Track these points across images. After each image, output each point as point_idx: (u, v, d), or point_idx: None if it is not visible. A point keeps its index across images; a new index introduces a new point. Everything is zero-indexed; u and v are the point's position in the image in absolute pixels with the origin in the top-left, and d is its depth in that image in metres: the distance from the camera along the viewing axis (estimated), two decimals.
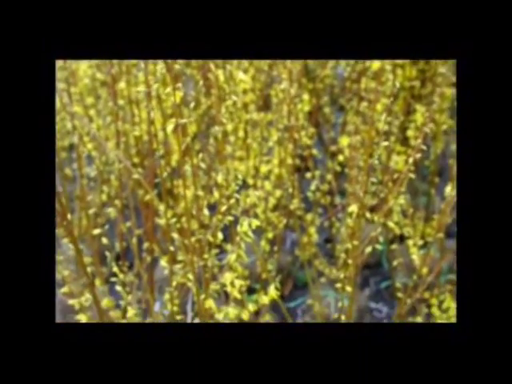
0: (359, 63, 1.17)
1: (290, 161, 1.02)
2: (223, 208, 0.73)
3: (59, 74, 1.12)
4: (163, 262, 0.85)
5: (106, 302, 0.93)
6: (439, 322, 1.00)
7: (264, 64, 1.10)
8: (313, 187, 1.13)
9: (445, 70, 1.06)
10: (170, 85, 0.62)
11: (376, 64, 1.01)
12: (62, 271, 0.87)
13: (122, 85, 1.04)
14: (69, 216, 0.69)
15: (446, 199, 0.84)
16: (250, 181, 1.11)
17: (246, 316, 0.92)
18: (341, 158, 1.11)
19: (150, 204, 1.03)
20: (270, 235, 1.12)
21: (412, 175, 0.70)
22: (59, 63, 1.15)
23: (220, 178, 0.75)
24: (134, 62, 1.07)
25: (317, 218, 1.19)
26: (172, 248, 0.79)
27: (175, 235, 0.78)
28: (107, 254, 0.84)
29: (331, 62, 1.35)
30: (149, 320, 0.95)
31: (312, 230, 1.18)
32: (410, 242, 0.97)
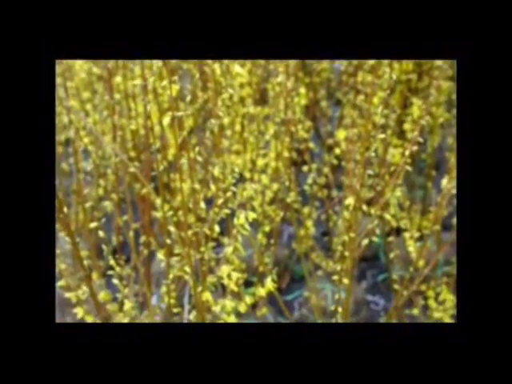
0: None
1: (286, 154, 1.02)
2: (220, 201, 0.73)
3: (56, 69, 1.12)
4: (160, 255, 0.85)
5: (102, 296, 0.93)
6: (436, 314, 1.00)
7: None
8: (310, 180, 1.13)
9: (441, 63, 1.06)
10: (166, 78, 0.62)
11: None
12: (59, 265, 0.87)
13: (118, 79, 1.03)
14: (65, 209, 0.69)
15: (443, 192, 0.84)
16: (247, 174, 1.11)
17: (242, 308, 0.93)
18: (337, 151, 1.11)
19: (146, 198, 1.03)
20: (267, 228, 1.12)
21: (408, 167, 0.70)
22: None
23: (217, 171, 0.75)
24: None
25: (314, 211, 1.19)
26: (169, 241, 0.79)
27: (172, 228, 0.78)
28: (104, 247, 0.84)
29: None
30: (146, 313, 0.95)
31: (309, 223, 1.18)
32: (407, 235, 0.98)
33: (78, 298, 0.81)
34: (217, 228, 0.75)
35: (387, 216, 0.75)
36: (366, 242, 0.77)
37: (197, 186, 0.73)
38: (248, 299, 0.81)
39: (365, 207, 0.82)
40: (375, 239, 0.77)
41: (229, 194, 0.73)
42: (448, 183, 0.82)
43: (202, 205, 0.75)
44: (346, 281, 0.78)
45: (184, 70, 1.26)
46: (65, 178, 1.40)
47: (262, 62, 1.12)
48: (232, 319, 0.75)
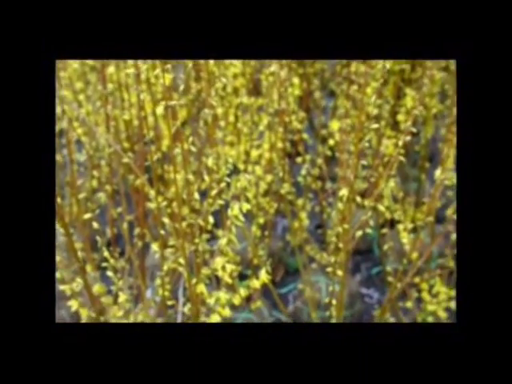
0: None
1: (280, 145, 1.02)
2: (214, 192, 0.73)
3: None
4: (154, 247, 0.85)
5: (97, 288, 0.93)
6: (429, 307, 1.00)
7: None
8: (303, 172, 1.13)
9: None
10: (159, 67, 0.62)
11: None
12: None
13: (111, 69, 1.03)
14: (59, 200, 0.68)
15: (436, 183, 0.84)
16: (241, 166, 1.11)
17: (237, 301, 0.93)
18: (331, 142, 1.11)
19: (140, 189, 1.03)
20: (261, 220, 1.12)
21: (402, 158, 0.70)
22: None
23: (210, 162, 0.74)
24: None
25: (308, 202, 1.19)
26: (163, 232, 0.79)
27: (166, 220, 0.78)
28: (98, 238, 0.84)
29: None
30: (140, 306, 0.95)
31: (303, 214, 1.18)
32: (401, 227, 0.98)
33: (73, 291, 0.81)
34: (211, 219, 0.75)
35: (381, 207, 0.75)
36: (359, 233, 0.77)
37: (191, 176, 0.72)
38: (242, 291, 0.81)
39: (359, 199, 0.82)
40: (369, 230, 0.77)
41: (223, 184, 0.73)
42: (441, 174, 0.82)
43: (196, 196, 0.75)
44: (340, 273, 0.78)
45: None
46: (58, 169, 1.40)
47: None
48: (226, 312, 0.75)
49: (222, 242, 0.71)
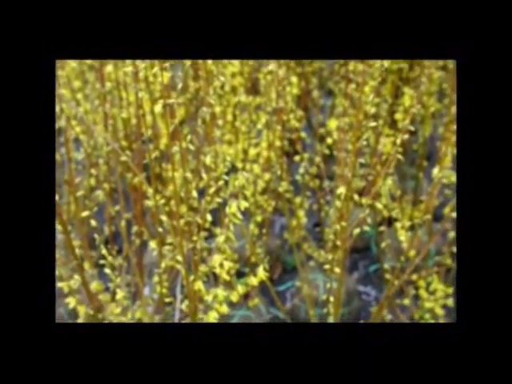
0: None
1: (278, 143, 1.02)
2: (212, 190, 0.73)
3: None
4: (152, 244, 0.85)
5: (95, 286, 0.93)
6: (427, 304, 1.01)
7: None
8: (301, 170, 1.13)
9: None
10: (157, 66, 0.62)
11: None
12: None
13: (109, 68, 1.03)
14: (57, 198, 0.69)
15: (434, 181, 0.85)
16: (239, 164, 1.11)
17: (235, 298, 0.93)
18: (329, 140, 1.11)
19: (138, 187, 1.03)
20: (259, 218, 1.12)
21: (400, 156, 0.70)
22: None
23: (208, 160, 0.75)
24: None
25: (305, 201, 1.20)
26: (161, 229, 0.79)
27: (164, 218, 0.78)
28: (96, 236, 0.84)
29: None
30: (138, 303, 0.95)
31: (301, 213, 1.18)
32: (398, 225, 0.98)
33: (70, 288, 0.81)
34: (209, 217, 0.75)
35: (379, 205, 0.75)
36: (357, 231, 0.77)
37: (189, 175, 0.73)
38: (240, 289, 0.81)
39: (356, 197, 0.82)
40: (367, 228, 0.77)
41: (221, 183, 0.73)
42: (439, 173, 0.82)
43: (194, 194, 0.75)
44: (337, 270, 0.79)
45: None
46: (56, 167, 1.40)
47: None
48: (224, 309, 0.75)
49: (220, 239, 0.72)
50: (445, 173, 0.83)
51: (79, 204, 0.96)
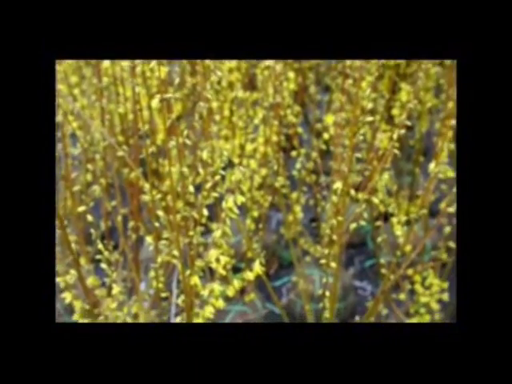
0: None
1: (275, 138, 1.02)
2: (208, 185, 0.73)
3: None
4: (149, 239, 0.85)
5: (91, 281, 0.93)
6: (422, 299, 1.01)
7: None
8: (298, 165, 1.13)
9: None
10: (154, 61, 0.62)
11: None
12: None
13: (106, 63, 1.03)
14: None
15: (430, 176, 0.85)
16: (236, 160, 1.11)
17: (231, 292, 0.93)
18: (326, 136, 1.12)
19: (135, 182, 1.03)
20: (256, 214, 1.12)
21: (396, 151, 0.71)
22: None
23: (205, 155, 0.75)
24: None
25: (302, 196, 1.20)
26: (157, 224, 0.79)
27: (160, 213, 0.78)
28: (92, 231, 0.84)
29: None
30: (134, 298, 0.95)
31: (297, 208, 1.18)
32: (395, 220, 0.98)
33: (67, 283, 0.81)
34: (205, 212, 0.75)
35: (375, 200, 0.75)
36: (353, 226, 0.77)
37: (185, 169, 0.73)
38: (236, 283, 0.81)
39: (353, 192, 0.83)
40: (363, 223, 0.77)
41: (217, 177, 0.73)
42: (435, 168, 0.83)
43: (191, 189, 0.75)
44: (333, 265, 0.79)
45: None
46: None
47: None
48: (220, 303, 0.76)
49: (216, 234, 0.72)
50: (441, 168, 0.83)
51: (75, 199, 0.96)
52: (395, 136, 0.71)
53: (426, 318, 1.02)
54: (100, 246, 0.86)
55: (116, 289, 0.87)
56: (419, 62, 1.15)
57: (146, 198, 0.91)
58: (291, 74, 1.08)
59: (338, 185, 0.74)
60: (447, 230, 0.92)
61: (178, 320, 0.77)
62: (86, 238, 1.32)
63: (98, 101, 1.03)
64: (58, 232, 1.18)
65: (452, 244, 0.95)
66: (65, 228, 0.74)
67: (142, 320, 0.95)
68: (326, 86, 1.67)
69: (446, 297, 1.01)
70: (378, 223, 1.04)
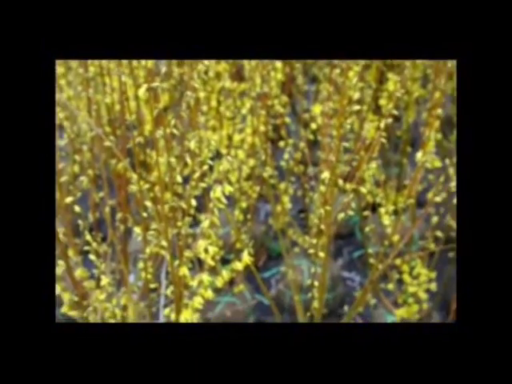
0: None
1: (262, 128, 1.02)
2: (196, 175, 0.73)
3: None
4: (137, 230, 0.85)
5: (79, 272, 0.93)
6: (410, 289, 1.01)
7: None
8: (286, 156, 1.13)
9: None
10: None
11: None
12: None
13: None
14: None
15: (417, 166, 0.85)
16: (224, 150, 1.11)
17: (220, 283, 0.93)
18: (313, 126, 1.12)
19: (122, 173, 1.03)
20: (244, 205, 1.12)
21: (384, 140, 0.71)
22: None
23: (193, 145, 0.74)
24: None
25: (290, 186, 1.20)
26: (145, 215, 0.79)
27: (148, 203, 0.78)
28: (80, 222, 0.83)
29: None
30: (123, 290, 0.95)
31: (285, 198, 1.18)
32: (382, 210, 0.98)
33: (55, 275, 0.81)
34: (194, 202, 0.75)
35: (363, 190, 0.75)
36: (341, 216, 0.78)
37: (173, 159, 0.72)
38: (225, 274, 0.81)
39: (341, 182, 0.83)
40: (351, 213, 0.77)
41: (205, 167, 0.73)
42: (422, 157, 0.83)
43: (179, 179, 0.75)
44: (322, 255, 0.79)
45: None
46: None
47: None
48: (209, 294, 0.75)
49: (205, 224, 0.72)
50: (428, 157, 0.83)
51: (63, 190, 0.96)
52: (382, 125, 0.71)
53: (414, 308, 1.03)
54: (88, 238, 0.86)
55: (105, 280, 0.86)
56: None
57: (133, 188, 0.90)
58: (278, 64, 1.08)
59: (325, 175, 0.74)
60: (434, 219, 0.93)
61: (166, 311, 0.77)
62: (74, 229, 1.31)
63: (84, 91, 1.02)
64: None
65: (439, 233, 0.96)
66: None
67: (130, 311, 0.94)
68: (314, 76, 1.67)
69: (433, 286, 1.02)
70: (366, 213, 1.04)
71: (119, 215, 1.05)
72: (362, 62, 0.66)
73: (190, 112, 0.89)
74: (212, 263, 0.73)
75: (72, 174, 1.20)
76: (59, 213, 1.16)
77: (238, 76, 1.20)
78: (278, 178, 1.17)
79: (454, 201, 0.84)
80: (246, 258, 0.76)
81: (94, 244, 0.87)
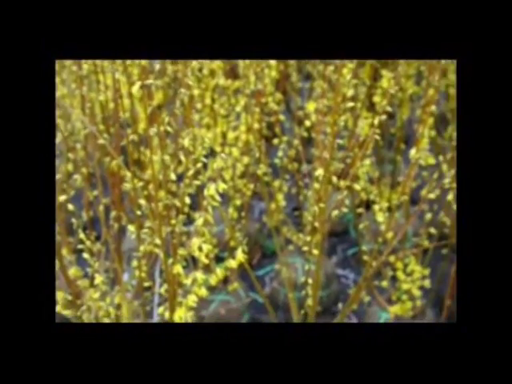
0: None
1: (257, 126, 1.02)
2: (190, 172, 0.73)
3: None
4: (131, 228, 0.84)
5: (73, 271, 0.93)
6: (404, 285, 1.01)
7: None
8: (280, 153, 1.13)
9: None
10: None
11: None
12: None
13: None
14: None
15: (411, 162, 0.85)
16: (218, 148, 1.11)
17: (214, 281, 0.93)
18: (308, 123, 1.12)
19: (116, 172, 1.03)
20: (238, 202, 1.12)
21: (377, 137, 0.71)
22: None
23: (187, 143, 0.74)
24: None
25: (284, 184, 1.20)
26: (139, 212, 0.79)
27: (142, 201, 0.78)
28: (74, 221, 0.83)
29: None
30: (117, 289, 0.94)
31: (280, 196, 1.18)
32: (376, 207, 0.99)
33: None
34: (187, 200, 0.75)
35: (356, 186, 0.75)
36: (335, 213, 0.78)
37: (167, 157, 0.72)
38: (219, 272, 0.81)
39: (335, 179, 0.83)
40: (345, 210, 0.77)
41: (199, 165, 0.73)
42: (416, 154, 0.83)
43: (173, 177, 0.75)
44: (315, 252, 0.79)
45: None
46: None
47: None
48: (203, 292, 0.75)
49: (199, 222, 0.71)
50: (422, 154, 0.83)
51: (57, 189, 0.95)
52: (376, 122, 0.71)
53: (408, 305, 1.03)
54: (82, 236, 0.85)
55: (98, 279, 0.86)
56: None
57: (127, 186, 0.90)
58: (272, 62, 1.08)
59: (319, 171, 0.74)
60: (428, 216, 0.93)
61: (160, 309, 0.77)
62: (68, 228, 1.31)
63: (78, 89, 1.02)
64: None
65: (433, 230, 0.96)
66: None
67: (124, 310, 0.94)
68: (308, 74, 1.67)
69: (427, 283, 1.02)
70: (360, 210, 1.04)
71: (113, 213, 1.05)
72: (357, 60, 0.66)
73: (184, 110, 0.89)
74: (206, 261, 0.73)
75: (66, 173, 1.19)
76: None
77: (232, 73, 1.20)
78: (272, 175, 1.17)
79: (448, 197, 0.84)
80: (240, 255, 0.75)
81: (88, 242, 0.87)
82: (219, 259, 1.21)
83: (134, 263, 0.94)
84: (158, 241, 0.73)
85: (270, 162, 1.47)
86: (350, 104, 0.67)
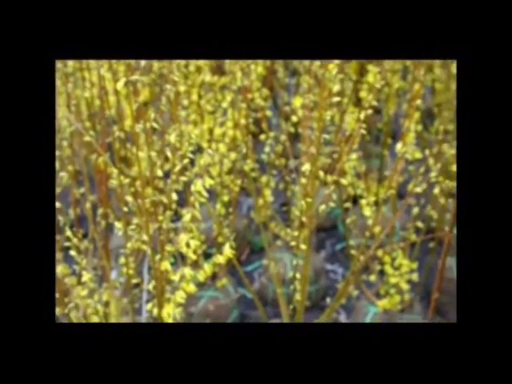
0: None
1: (243, 122, 1.02)
2: (177, 168, 0.73)
3: None
4: (118, 225, 0.84)
5: (60, 269, 0.92)
6: (392, 279, 1.02)
7: None
8: (267, 149, 1.13)
9: None
10: None
11: None
12: None
13: None
14: None
15: (398, 157, 0.86)
16: (205, 144, 1.11)
17: (202, 277, 0.93)
18: (294, 118, 1.12)
19: (103, 169, 1.02)
20: (226, 198, 1.12)
21: (364, 131, 0.71)
22: None
23: (173, 139, 0.74)
24: None
25: (272, 180, 1.20)
26: (126, 209, 0.79)
27: (129, 198, 0.78)
28: (60, 218, 0.83)
29: None
30: (105, 286, 0.94)
31: (267, 192, 1.18)
32: (364, 202, 0.99)
33: None
34: (175, 196, 0.75)
35: (344, 181, 0.76)
36: (323, 208, 0.78)
37: (153, 153, 0.72)
38: (207, 268, 0.81)
39: (322, 174, 0.83)
40: (332, 205, 0.77)
41: (186, 161, 0.72)
42: (402, 148, 0.83)
43: (160, 173, 0.74)
44: (303, 247, 0.79)
45: None
46: None
47: None
48: (191, 287, 0.75)
49: (186, 218, 0.71)
50: (408, 149, 0.84)
51: None
52: (362, 116, 0.71)
53: (396, 299, 1.03)
54: (69, 234, 0.85)
55: (86, 276, 0.86)
56: None
57: (114, 183, 0.90)
58: None
59: (306, 167, 0.74)
60: (415, 210, 0.93)
61: (149, 306, 0.77)
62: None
63: (63, 86, 1.01)
64: None
65: (420, 224, 0.96)
66: None
67: (113, 307, 0.94)
68: (294, 70, 1.67)
69: (415, 277, 1.02)
70: (347, 205, 1.05)
71: (100, 211, 1.05)
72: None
73: (171, 106, 0.88)
74: (194, 257, 0.73)
75: None
76: None
77: (219, 70, 1.20)
78: (259, 171, 1.17)
79: (435, 191, 0.84)
80: (228, 251, 0.75)
81: (75, 240, 0.86)
82: (207, 255, 1.21)
83: (122, 260, 0.93)
84: (145, 237, 0.73)
85: (257, 157, 1.47)
86: (337, 99, 0.67)
